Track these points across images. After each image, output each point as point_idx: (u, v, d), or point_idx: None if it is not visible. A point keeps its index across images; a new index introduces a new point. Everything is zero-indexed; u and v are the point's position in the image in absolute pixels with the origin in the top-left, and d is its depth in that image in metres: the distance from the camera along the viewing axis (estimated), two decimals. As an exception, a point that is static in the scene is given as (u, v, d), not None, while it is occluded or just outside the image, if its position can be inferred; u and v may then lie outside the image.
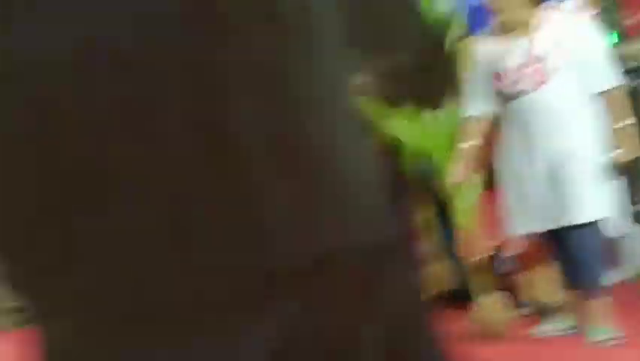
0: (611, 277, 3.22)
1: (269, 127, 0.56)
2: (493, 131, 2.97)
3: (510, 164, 2.87)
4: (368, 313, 0.60)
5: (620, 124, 2.78)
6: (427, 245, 3.64)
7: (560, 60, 2.74)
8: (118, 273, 0.56)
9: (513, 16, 2.77)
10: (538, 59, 2.76)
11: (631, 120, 2.81)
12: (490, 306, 3.20)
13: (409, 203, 3.65)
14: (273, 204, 0.56)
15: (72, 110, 0.54)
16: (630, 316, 2.93)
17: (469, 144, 2.80)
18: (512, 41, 2.81)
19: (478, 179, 3.18)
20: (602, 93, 2.79)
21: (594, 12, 3.40)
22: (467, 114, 2.90)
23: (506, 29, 2.83)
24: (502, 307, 3.20)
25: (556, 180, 2.75)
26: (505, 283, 3.41)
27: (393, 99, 0.88)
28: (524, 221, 2.85)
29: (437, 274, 3.67)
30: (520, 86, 2.79)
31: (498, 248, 3.32)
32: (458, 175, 3.01)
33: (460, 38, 3.31)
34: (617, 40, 3.80)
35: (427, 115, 3.16)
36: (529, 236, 2.92)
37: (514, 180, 2.86)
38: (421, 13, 0.76)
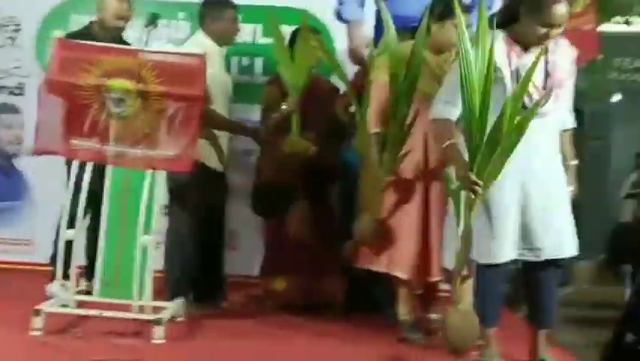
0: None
1: None
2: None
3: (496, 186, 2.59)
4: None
5: (572, 162, 2.78)
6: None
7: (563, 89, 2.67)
8: None
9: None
10: (559, 84, 2.64)
11: (576, 161, 2.80)
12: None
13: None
14: None
15: None
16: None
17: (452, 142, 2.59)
18: (528, 58, 2.60)
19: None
20: (565, 130, 2.78)
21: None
22: (444, 117, 2.66)
23: (523, 43, 2.65)
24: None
25: (538, 209, 2.61)
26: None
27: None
28: (498, 247, 2.63)
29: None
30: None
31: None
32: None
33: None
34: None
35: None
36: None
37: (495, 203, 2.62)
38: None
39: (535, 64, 2.47)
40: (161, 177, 3.10)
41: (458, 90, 2.49)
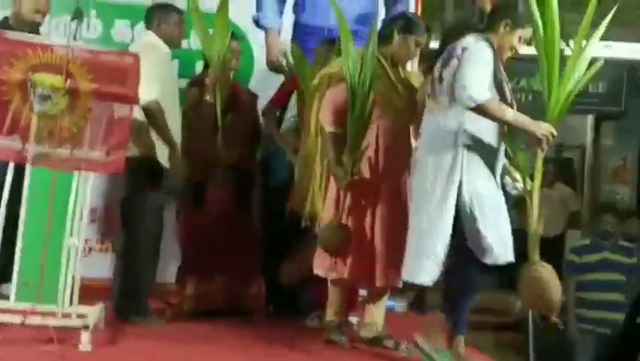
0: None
1: None
2: None
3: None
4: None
5: None
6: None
7: None
8: None
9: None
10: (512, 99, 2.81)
11: None
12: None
13: None
14: None
15: None
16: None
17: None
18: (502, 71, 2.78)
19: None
20: None
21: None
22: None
23: (502, 57, 2.80)
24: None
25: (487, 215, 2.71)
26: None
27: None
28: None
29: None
30: None
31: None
32: None
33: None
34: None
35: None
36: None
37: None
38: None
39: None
40: (90, 178, 2.99)
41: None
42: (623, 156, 8.53)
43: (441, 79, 2.77)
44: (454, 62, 2.73)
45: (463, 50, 2.71)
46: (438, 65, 2.82)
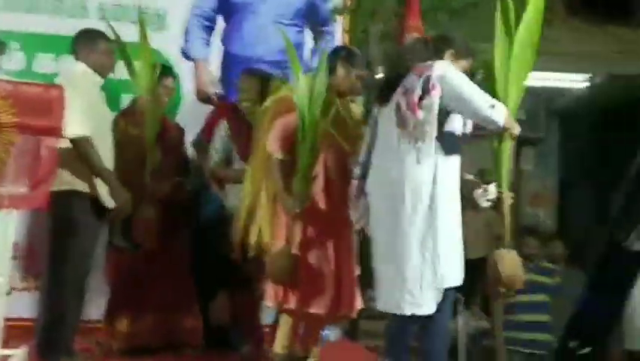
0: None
1: None
2: None
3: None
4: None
5: None
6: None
7: None
8: None
9: None
10: None
11: None
12: None
13: None
14: None
15: None
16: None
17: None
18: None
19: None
20: None
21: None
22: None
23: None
24: None
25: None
26: None
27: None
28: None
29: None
30: None
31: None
32: None
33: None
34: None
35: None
36: None
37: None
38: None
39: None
40: (14, 214, 2.88)
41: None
42: (543, 180, 8.85)
43: (418, 107, 2.68)
44: (435, 91, 2.65)
45: (441, 77, 2.66)
46: (401, 96, 2.74)
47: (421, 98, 2.67)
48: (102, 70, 3.39)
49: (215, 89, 4.16)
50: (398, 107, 2.73)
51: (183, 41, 4.22)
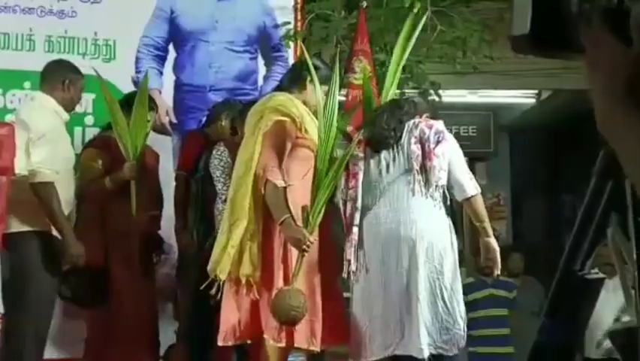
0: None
1: None
2: None
3: None
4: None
5: None
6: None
7: None
8: None
9: None
10: None
11: None
12: None
13: None
14: None
15: None
16: None
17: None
18: None
19: None
20: None
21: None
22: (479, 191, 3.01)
23: None
24: None
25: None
26: None
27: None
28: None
29: None
30: None
31: None
32: None
33: None
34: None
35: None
36: None
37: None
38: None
39: None
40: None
41: None
42: (497, 194, 8.99)
43: (434, 155, 2.89)
44: (446, 142, 2.92)
45: (444, 132, 2.92)
46: (414, 145, 2.91)
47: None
48: (68, 104, 3.28)
49: (168, 119, 4.13)
50: (411, 155, 2.89)
51: (135, 71, 4.19)
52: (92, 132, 4.03)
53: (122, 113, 3.36)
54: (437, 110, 3.21)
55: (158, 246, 3.66)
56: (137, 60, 4.20)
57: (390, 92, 3.35)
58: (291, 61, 4.29)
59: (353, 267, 2.89)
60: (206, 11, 4.27)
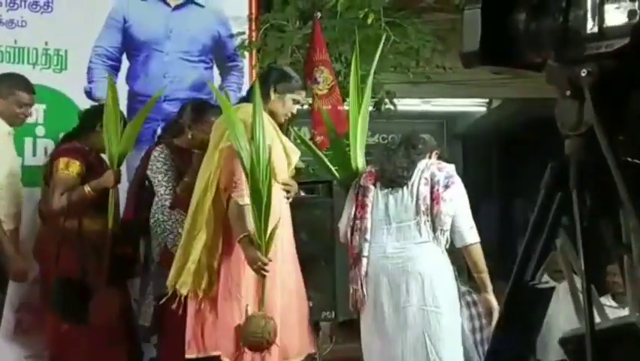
0: None
1: None
2: None
3: None
4: None
5: None
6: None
7: None
8: None
9: None
10: None
11: None
12: None
13: None
14: None
15: None
16: None
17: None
18: None
19: None
20: None
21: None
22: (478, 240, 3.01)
23: None
24: None
25: None
26: None
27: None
28: None
29: None
30: None
31: None
32: None
33: None
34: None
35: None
36: None
37: None
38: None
39: None
40: None
41: None
42: (451, 201, 9.12)
43: (442, 199, 2.91)
44: (455, 186, 2.95)
45: (448, 177, 2.94)
46: (423, 186, 2.95)
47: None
48: (13, 119, 3.21)
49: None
50: (419, 196, 2.93)
51: (87, 81, 4.13)
52: (43, 143, 3.96)
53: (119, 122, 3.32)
54: (441, 147, 3.26)
55: (132, 262, 3.52)
56: (90, 70, 4.14)
57: (362, 104, 3.24)
58: (247, 71, 4.29)
59: (361, 297, 2.95)
60: (161, 21, 4.24)
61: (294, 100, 2.96)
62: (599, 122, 1.02)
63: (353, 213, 3.02)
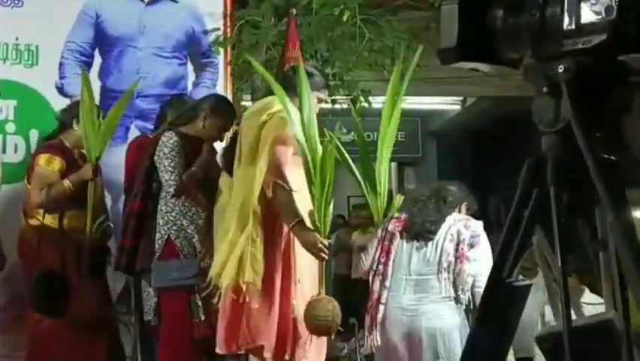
0: None
1: None
2: None
3: None
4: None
5: None
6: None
7: None
8: None
9: None
10: None
11: None
12: None
13: None
14: None
15: None
16: None
17: None
18: None
19: None
20: None
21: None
22: None
23: None
24: None
25: None
26: None
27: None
28: None
29: None
30: None
31: None
32: None
33: None
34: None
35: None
36: None
37: None
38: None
39: None
40: None
41: None
42: (425, 198, 9.17)
43: (465, 259, 2.94)
44: (480, 246, 2.96)
45: (474, 236, 2.96)
46: (448, 242, 2.97)
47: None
48: None
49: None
50: (442, 252, 2.95)
51: (58, 77, 4.07)
52: (13, 140, 3.89)
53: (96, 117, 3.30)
54: (469, 197, 3.28)
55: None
56: (61, 66, 4.08)
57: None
58: (221, 67, 4.26)
59: (375, 343, 2.98)
60: (134, 16, 4.19)
61: (318, 99, 2.92)
62: (576, 119, 1.02)
63: (378, 256, 3.06)
